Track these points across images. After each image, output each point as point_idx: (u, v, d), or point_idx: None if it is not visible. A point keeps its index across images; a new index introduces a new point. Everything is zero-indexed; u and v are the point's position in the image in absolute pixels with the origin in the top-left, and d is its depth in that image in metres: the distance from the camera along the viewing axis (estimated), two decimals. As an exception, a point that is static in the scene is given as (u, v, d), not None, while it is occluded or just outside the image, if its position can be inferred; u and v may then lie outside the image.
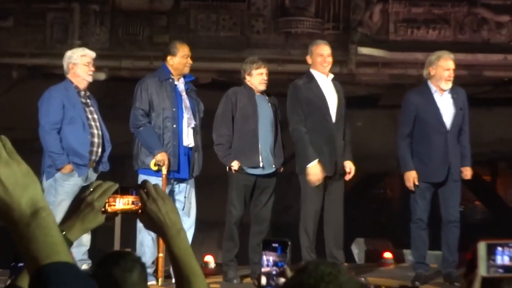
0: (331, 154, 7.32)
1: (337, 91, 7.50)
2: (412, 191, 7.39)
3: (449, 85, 7.42)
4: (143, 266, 3.18)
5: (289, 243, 2.37)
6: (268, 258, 2.37)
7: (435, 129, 7.39)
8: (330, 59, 7.47)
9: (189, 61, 7.31)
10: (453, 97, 7.50)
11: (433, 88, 7.45)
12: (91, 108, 7.33)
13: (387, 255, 8.92)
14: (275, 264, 2.36)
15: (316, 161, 7.20)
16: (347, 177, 7.44)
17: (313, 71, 7.45)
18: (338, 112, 7.41)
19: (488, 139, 13.13)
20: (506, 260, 2.29)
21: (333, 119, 7.38)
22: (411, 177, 7.34)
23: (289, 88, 7.48)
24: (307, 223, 7.30)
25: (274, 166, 7.54)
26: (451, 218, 7.45)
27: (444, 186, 7.45)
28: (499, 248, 2.28)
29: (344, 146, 7.43)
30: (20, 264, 2.34)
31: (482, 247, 2.27)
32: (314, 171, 7.19)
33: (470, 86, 12.71)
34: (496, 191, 17.95)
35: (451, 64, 7.42)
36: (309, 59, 7.48)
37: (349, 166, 7.41)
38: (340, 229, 7.43)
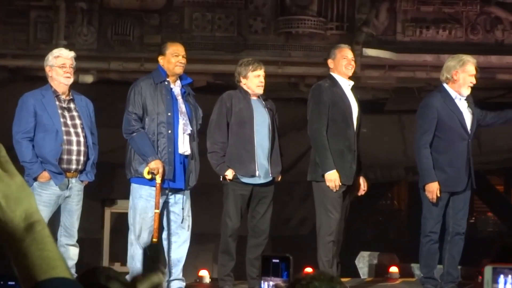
0: (351, 162, 7.45)
1: (357, 99, 7.65)
2: (434, 203, 7.42)
3: (469, 91, 7.53)
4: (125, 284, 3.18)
5: (291, 258, 2.37)
6: (267, 284, 2.36)
7: (460, 136, 7.48)
8: (353, 63, 7.66)
9: (181, 60, 7.28)
10: (467, 102, 7.60)
11: (453, 93, 7.53)
12: (74, 114, 7.34)
13: (393, 269, 8.95)
14: None
15: (335, 170, 7.32)
16: (361, 193, 7.66)
17: (335, 75, 7.58)
18: (358, 120, 7.57)
19: (502, 146, 13.11)
20: None
21: (354, 127, 7.52)
22: (435, 189, 7.38)
23: (313, 89, 7.62)
24: (328, 233, 7.36)
25: (271, 175, 7.57)
26: (461, 230, 7.54)
27: (459, 196, 7.52)
28: (502, 275, 2.21)
29: (360, 158, 7.61)
30: (11, 283, 2.34)
31: (487, 271, 2.22)
32: (334, 176, 7.31)
33: (482, 90, 12.73)
34: (510, 201, 17.96)
35: (474, 70, 7.53)
36: (331, 63, 7.61)
37: (363, 182, 7.63)
38: (341, 239, 7.55)
